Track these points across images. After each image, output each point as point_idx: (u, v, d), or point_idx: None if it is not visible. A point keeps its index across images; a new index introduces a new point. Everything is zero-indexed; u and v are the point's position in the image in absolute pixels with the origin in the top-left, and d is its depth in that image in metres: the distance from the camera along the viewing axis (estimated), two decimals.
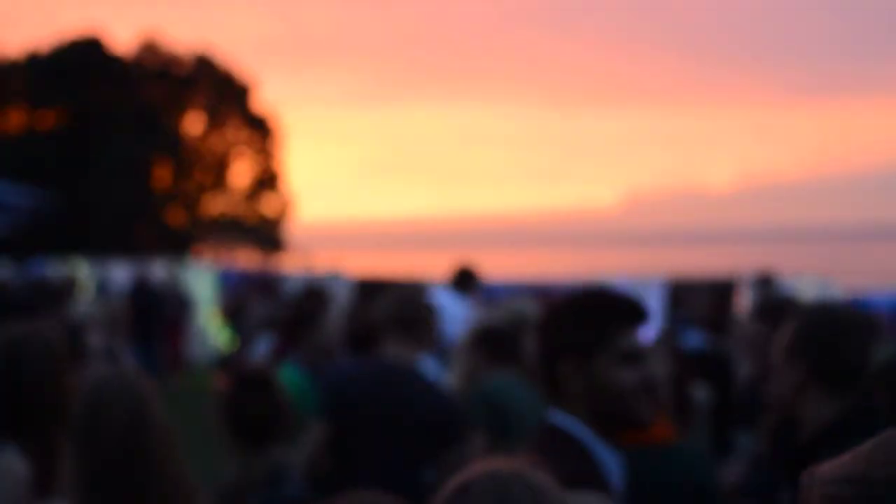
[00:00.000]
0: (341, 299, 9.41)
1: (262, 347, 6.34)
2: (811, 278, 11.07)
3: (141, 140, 40.90)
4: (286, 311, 6.50)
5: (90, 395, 2.74)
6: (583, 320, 2.43)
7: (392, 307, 4.74)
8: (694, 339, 7.58)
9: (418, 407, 4.51)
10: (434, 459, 4.44)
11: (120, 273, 18.99)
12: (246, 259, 43.76)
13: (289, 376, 5.26)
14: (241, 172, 47.17)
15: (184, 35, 75.79)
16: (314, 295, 7.11)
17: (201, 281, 19.00)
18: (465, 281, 8.15)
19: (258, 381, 3.73)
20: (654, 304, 11.11)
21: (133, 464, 2.68)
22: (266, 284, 14.22)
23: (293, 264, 37.75)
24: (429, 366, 5.69)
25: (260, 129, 46.58)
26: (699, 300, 10.66)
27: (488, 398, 4.75)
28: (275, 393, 3.71)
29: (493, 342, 5.00)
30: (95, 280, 18.66)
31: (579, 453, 2.36)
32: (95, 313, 5.51)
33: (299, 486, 3.67)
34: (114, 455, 2.67)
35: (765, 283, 8.74)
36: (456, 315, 7.22)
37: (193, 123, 46.86)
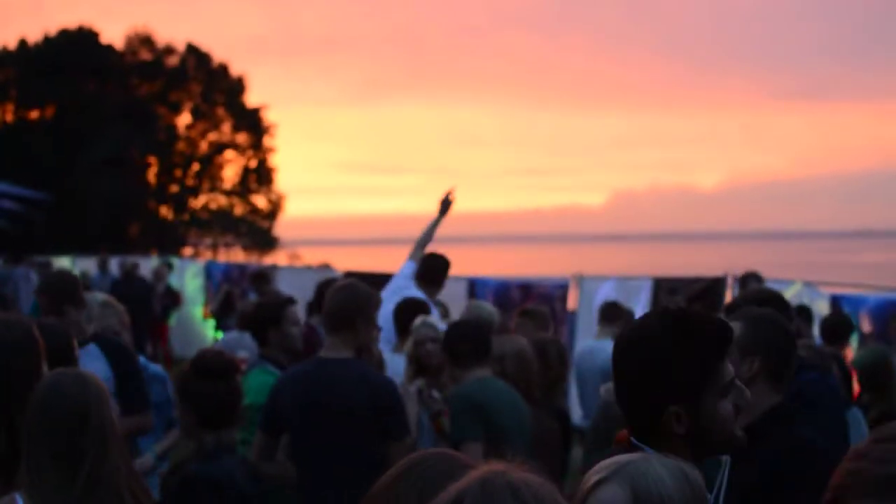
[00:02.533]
0: None
1: (229, 338, 6.10)
2: (796, 285, 11.15)
3: (132, 135, 40.80)
4: (252, 309, 6.27)
5: (40, 394, 2.83)
6: (687, 358, 2.23)
7: (326, 303, 4.57)
8: None
9: (340, 401, 4.41)
10: (376, 452, 4.34)
11: (110, 267, 18.97)
12: (235, 254, 43.74)
13: (258, 378, 5.22)
14: (231, 169, 47.10)
15: (175, 32, 75.56)
16: (326, 287, 6.75)
17: (189, 275, 19.00)
18: (430, 274, 6.90)
19: (212, 369, 3.83)
20: (642, 302, 11.20)
21: (74, 462, 2.77)
22: (255, 279, 14.26)
23: (282, 259, 37.71)
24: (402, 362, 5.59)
25: (251, 126, 46.50)
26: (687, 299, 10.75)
27: (472, 401, 4.65)
28: (226, 381, 3.81)
29: (463, 343, 4.81)
30: (84, 275, 18.64)
31: None
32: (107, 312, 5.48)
33: (237, 461, 3.78)
34: (56, 451, 2.77)
35: (744, 281, 8.84)
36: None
37: (184, 119, 46.77)
